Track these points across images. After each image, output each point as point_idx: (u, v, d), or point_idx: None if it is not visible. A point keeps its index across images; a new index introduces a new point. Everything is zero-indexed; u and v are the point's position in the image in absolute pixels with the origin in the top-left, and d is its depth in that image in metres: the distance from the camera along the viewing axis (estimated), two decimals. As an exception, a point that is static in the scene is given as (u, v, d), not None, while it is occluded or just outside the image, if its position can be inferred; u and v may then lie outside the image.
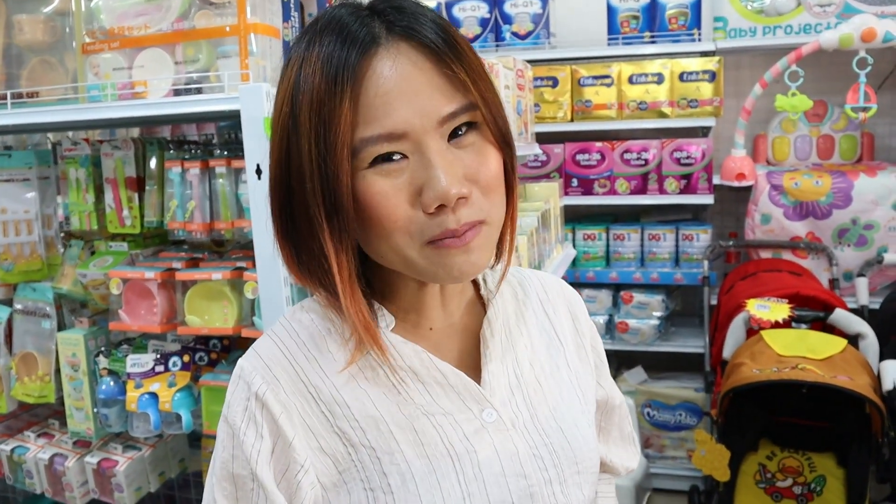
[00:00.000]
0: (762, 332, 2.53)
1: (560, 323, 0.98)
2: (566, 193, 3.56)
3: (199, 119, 2.36)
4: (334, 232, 0.75)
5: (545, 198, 2.28)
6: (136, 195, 2.18)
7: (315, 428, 0.81)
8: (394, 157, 0.74)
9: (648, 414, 3.66)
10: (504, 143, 0.80)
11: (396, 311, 0.87)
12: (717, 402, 2.42)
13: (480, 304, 0.93)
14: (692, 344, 3.54)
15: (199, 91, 1.84)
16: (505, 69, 2.12)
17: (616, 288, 3.64)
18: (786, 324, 2.62)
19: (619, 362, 3.96)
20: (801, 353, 2.39)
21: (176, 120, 2.37)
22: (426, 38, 0.75)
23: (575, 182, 3.55)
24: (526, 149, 2.38)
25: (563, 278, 3.54)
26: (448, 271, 0.77)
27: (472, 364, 0.88)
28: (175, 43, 1.86)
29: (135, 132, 2.52)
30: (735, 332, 2.72)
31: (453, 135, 0.76)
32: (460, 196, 0.73)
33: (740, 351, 2.56)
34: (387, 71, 0.73)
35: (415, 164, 0.74)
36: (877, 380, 2.44)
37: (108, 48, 1.93)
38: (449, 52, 0.75)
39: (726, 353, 2.73)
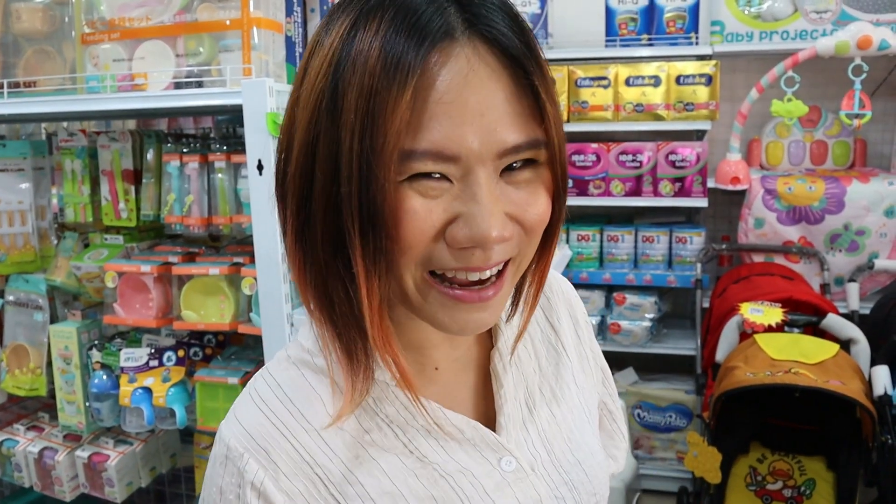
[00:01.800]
0: (755, 336, 2.55)
1: (563, 332, 0.90)
2: (561, 194, 3.56)
3: (200, 112, 2.35)
4: (367, 250, 0.61)
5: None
6: (132, 188, 2.17)
7: None
8: (434, 176, 0.62)
9: (639, 415, 3.67)
10: (560, 190, 0.68)
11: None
12: (710, 405, 2.43)
13: (486, 331, 0.82)
14: (684, 346, 3.55)
15: (199, 84, 1.83)
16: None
17: (609, 289, 3.65)
18: (779, 328, 2.63)
19: (611, 363, 3.96)
20: (795, 357, 2.41)
21: (176, 113, 2.36)
22: (512, 42, 0.62)
23: (570, 183, 3.55)
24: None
25: (557, 279, 3.55)
26: (453, 323, 0.67)
27: (484, 404, 0.81)
28: (176, 35, 1.85)
29: (131, 124, 2.50)
30: (728, 336, 2.73)
31: (508, 168, 0.64)
32: (501, 240, 0.63)
33: (734, 354, 2.57)
34: (457, 76, 0.60)
35: (457, 191, 0.62)
36: (868, 385, 2.46)
37: (108, 39, 1.91)
38: (531, 63, 0.63)
39: (719, 356, 2.74)
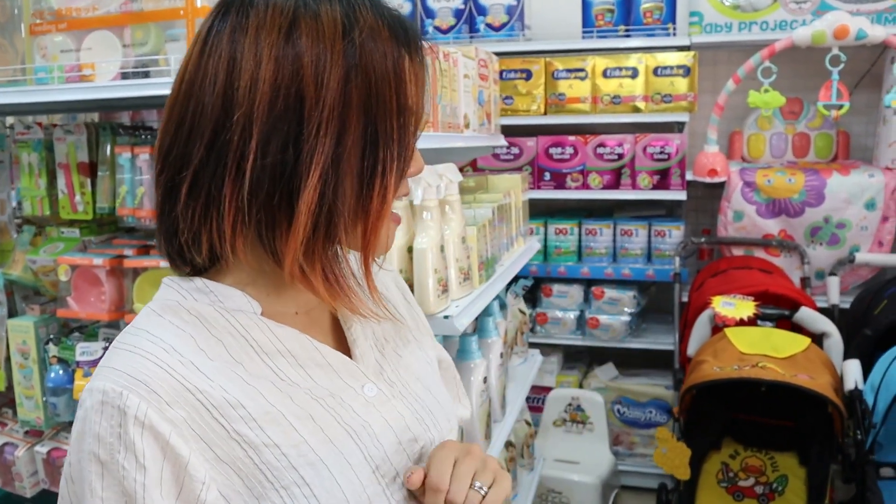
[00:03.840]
0: (726, 330, 2.51)
1: (394, 298, 1.03)
2: (538, 187, 3.53)
3: (146, 104, 2.32)
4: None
5: (506, 190, 2.25)
6: (88, 181, 2.14)
7: (209, 438, 0.74)
8: None
9: (619, 411, 3.64)
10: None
11: (260, 295, 0.84)
12: (679, 400, 2.40)
13: None
14: (663, 341, 3.52)
15: (146, 75, 1.80)
16: (465, 58, 2.08)
17: (587, 283, 3.62)
18: (751, 321, 2.60)
19: (591, 358, 3.94)
20: (764, 351, 2.38)
21: (123, 105, 2.33)
22: None
23: (547, 176, 3.52)
24: (489, 140, 2.35)
25: (532, 272, 3.52)
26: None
27: (339, 344, 0.89)
28: (123, 25, 1.82)
29: (95, 117, 2.48)
30: (699, 330, 2.70)
31: None
32: None
33: (704, 348, 2.54)
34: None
35: None
36: (839, 379, 2.43)
37: (55, 29, 1.89)
38: None
39: (690, 350, 2.71)
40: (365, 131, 0.77)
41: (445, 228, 1.60)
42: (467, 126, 2.11)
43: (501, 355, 2.04)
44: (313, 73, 0.74)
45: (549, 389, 3.58)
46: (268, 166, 0.74)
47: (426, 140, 1.73)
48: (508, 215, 2.21)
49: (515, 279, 2.55)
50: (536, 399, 3.72)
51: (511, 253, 2.21)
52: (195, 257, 0.80)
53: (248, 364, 0.79)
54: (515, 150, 3.55)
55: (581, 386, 3.69)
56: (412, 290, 1.54)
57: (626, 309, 3.52)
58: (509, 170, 3.54)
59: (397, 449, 0.84)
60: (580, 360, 3.92)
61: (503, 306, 2.36)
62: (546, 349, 3.75)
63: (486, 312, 2.05)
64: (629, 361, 3.80)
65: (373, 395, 0.85)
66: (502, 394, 2.06)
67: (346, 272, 0.82)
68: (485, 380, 1.87)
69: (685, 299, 3.41)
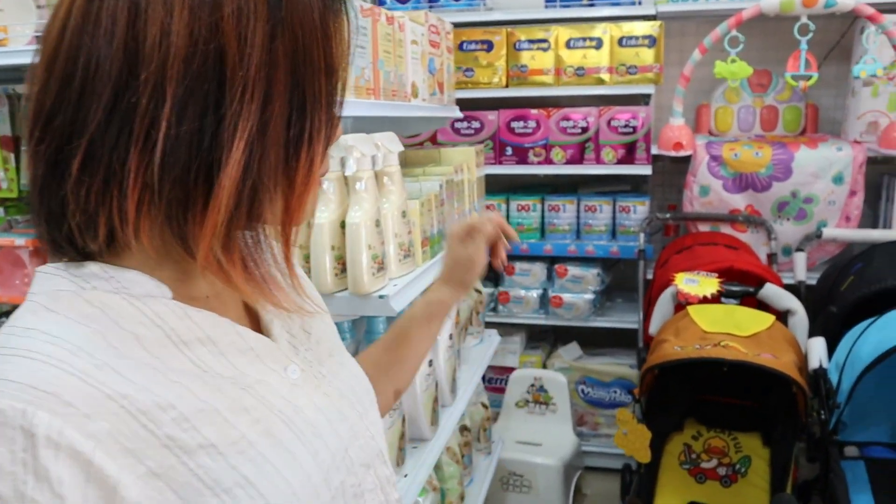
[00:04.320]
0: (689, 308, 2.43)
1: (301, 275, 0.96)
2: (500, 162, 3.42)
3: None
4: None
5: (460, 163, 2.14)
6: (11, 156, 2.00)
7: (138, 450, 0.62)
8: None
9: (583, 391, 3.56)
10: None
11: (167, 279, 0.72)
12: (640, 380, 2.31)
13: None
14: (628, 319, 3.44)
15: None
16: (413, 23, 1.96)
17: (551, 261, 3.52)
18: (715, 299, 2.52)
19: (555, 338, 3.86)
20: (727, 329, 2.29)
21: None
22: None
23: (509, 150, 3.41)
24: (442, 111, 2.23)
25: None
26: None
27: (253, 325, 0.81)
28: (36, -17, 1.69)
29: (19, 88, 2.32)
30: (662, 308, 2.62)
31: None
32: None
33: (666, 327, 2.45)
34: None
35: None
36: (804, 358, 2.36)
37: (-38, -12, 1.74)
38: None
39: (653, 328, 2.63)
40: (292, 95, 0.67)
41: (384, 202, 1.49)
42: (415, 95, 1.99)
43: (451, 337, 1.93)
44: (235, 26, 0.63)
45: (512, 370, 3.50)
46: (184, 135, 0.63)
47: (366, 108, 1.61)
48: (460, 190, 2.10)
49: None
50: (499, 380, 3.64)
51: (463, 229, 2.11)
52: (88, 244, 0.68)
53: (167, 358, 0.68)
54: (476, 124, 3.43)
55: (545, 366, 3.61)
56: (345, 268, 1.43)
57: (589, 287, 3.43)
58: (470, 144, 3.42)
59: (330, 431, 0.78)
60: (544, 339, 3.83)
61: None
62: (509, 329, 3.67)
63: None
64: (594, 340, 3.72)
65: (297, 376, 0.77)
66: (452, 377, 1.96)
67: (269, 259, 0.73)
68: (430, 363, 1.76)
69: (650, 277, 3.33)
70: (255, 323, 0.81)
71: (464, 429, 2.34)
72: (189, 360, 0.69)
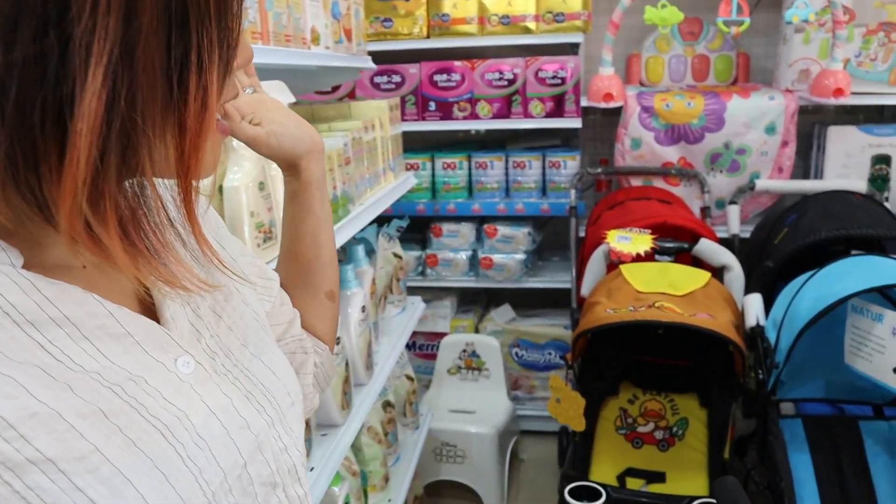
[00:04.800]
0: (621, 267, 2.30)
1: (227, 244, 0.84)
2: (423, 118, 3.23)
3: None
4: None
5: (370, 118, 1.95)
6: None
7: None
8: None
9: (517, 354, 3.45)
10: None
11: (21, 245, 0.55)
12: (572, 345, 2.19)
13: None
14: (561, 279, 3.32)
15: None
16: (310, -41, 1.75)
17: (480, 221, 3.37)
18: (649, 256, 2.40)
19: (488, 300, 3.73)
20: (661, 288, 2.17)
21: None
22: None
23: (433, 105, 3.22)
24: (350, 61, 2.03)
25: (420, 211, 3.25)
26: None
27: (142, 306, 0.65)
28: None
29: None
30: (594, 267, 2.49)
31: None
32: None
33: (598, 288, 2.32)
34: None
35: None
36: (741, 315, 2.26)
37: None
38: None
39: (584, 289, 2.50)
40: (168, 4, 0.49)
41: (270, 162, 1.30)
42: (316, 42, 1.78)
43: (364, 310, 1.76)
44: None
45: (443, 335, 3.36)
46: (17, 64, 0.45)
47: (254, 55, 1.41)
48: (371, 148, 1.91)
49: (389, 220, 2.27)
50: (430, 346, 3.50)
51: (378, 189, 1.92)
52: None
53: (4, 347, 0.51)
54: (397, 78, 3.23)
55: (477, 330, 3.48)
56: (270, 236, 1.24)
57: (521, 247, 3.29)
58: (391, 99, 3.22)
59: (224, 442, 0.63)
60: (476, 302, 3.70)
61: (372, 252, 2.08)
62: (439, 293, 3.52)
63: (354, 259, 1.78)
64: (526, 302, 3.60)
65: (189, 371, 0.62)
66: (367, 353, 1.79)
67: (161, 221, 0.58)
68: (339, 340, 1.59)
69: (583, 235, 3.21)
70: (147, 305, 0.65)
71: (387, 405, 2.19)
72: (35, 344, 0.53)
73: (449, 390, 3.28)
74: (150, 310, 0.65)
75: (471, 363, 3.26)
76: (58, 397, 0.52)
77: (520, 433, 3.36)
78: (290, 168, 0.95)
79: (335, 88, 3.23)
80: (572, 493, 2.00)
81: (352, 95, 3.23)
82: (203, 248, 0.59)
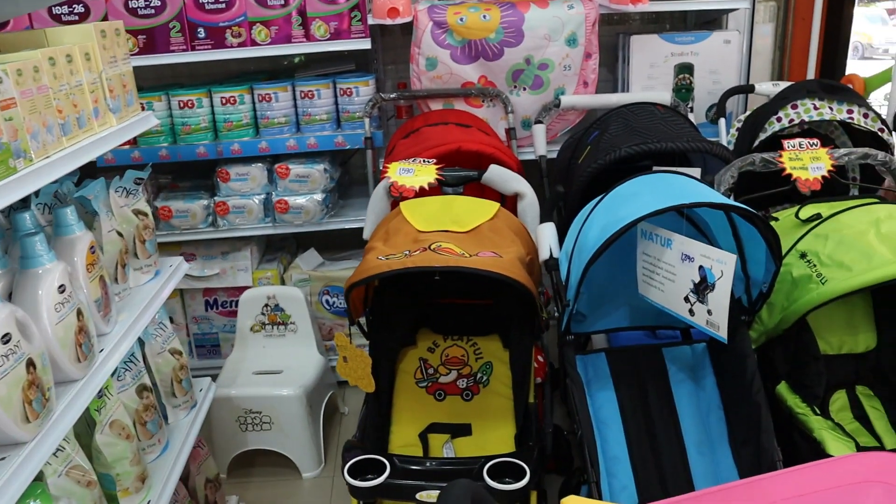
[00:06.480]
0: (401, 205, 2.05)
1: None
2: (192, 48, 2.82)
3: None
4: None
5: (71, 44, 1.57)
6: None
7: None
8: None
9: (327, 302, 3.19)
10: None
11: None
12: (346, 299, 1.93)
13: None
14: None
15: None
16: None
17: (271, 161, 3.03)
18: (436, 189, 2.16)
19: (297, 246, 3.42)
20: (444, 226, 1.94)
21: None
22: None
23: (202, 32, 2.81)
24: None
25: (200, 154, 2.88)
26: None
27: None
28: None
29: None
30: (376, 206, 2.24)
31: None
32: None
33: (377, 230, 2.06)
34: None
35: None
36: (534, 248, 2.07)
37: None
38: None
39: (366, 232, 2.25)
40: None
41: None
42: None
43: (62, 289, 1.42)
44: None
45: (246, 289, 3.04)
46: None
47: None
48: (69, 86, 1.54)
49: (122, 171, 1.90)
50: (233, 303, 3.18)
51: (74, 138, 1.56)
52: None
53: None
54: (156, 2, 2.79)
55: (283, 280, 3.18)
56: None
57: (318, 186, 2.98)
58: (151, 28, 2.79)
59: None
60: (284, 249, 3.38)
61: (92, 214, 1.72)
62: (237, 243, 3.19)
63: (21, 229, 1.43)
64: (331, 244, 3.33)
65: None
66: (74, 342, 1.46)
67: None
68: (8, 336, 1.25)
69: (382, 168, 2.94)
70: None
71: (143, 389, 1.87)
72: None
73: (254, 350, 2.99)
74: None
75: (275, 318, 2.97)
76: None
77: (337, 384, 3.13)
78: None
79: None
80: (357, 467, 1.77)
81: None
82: None
